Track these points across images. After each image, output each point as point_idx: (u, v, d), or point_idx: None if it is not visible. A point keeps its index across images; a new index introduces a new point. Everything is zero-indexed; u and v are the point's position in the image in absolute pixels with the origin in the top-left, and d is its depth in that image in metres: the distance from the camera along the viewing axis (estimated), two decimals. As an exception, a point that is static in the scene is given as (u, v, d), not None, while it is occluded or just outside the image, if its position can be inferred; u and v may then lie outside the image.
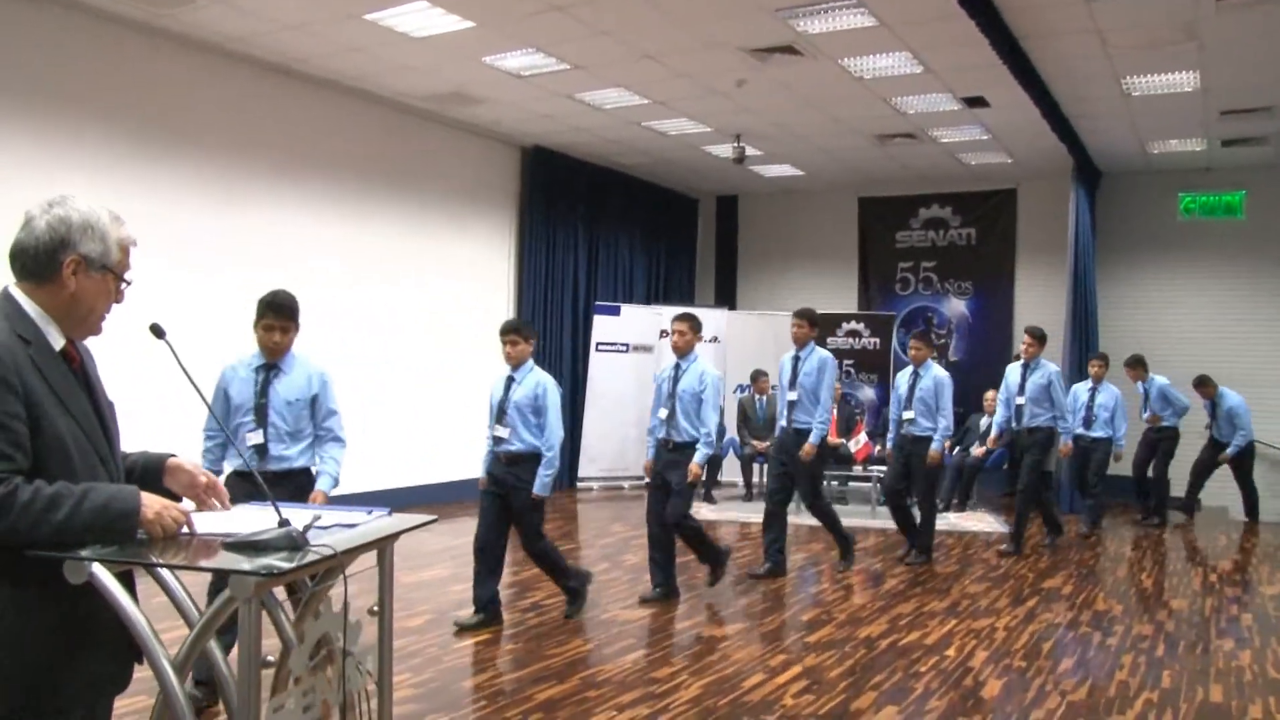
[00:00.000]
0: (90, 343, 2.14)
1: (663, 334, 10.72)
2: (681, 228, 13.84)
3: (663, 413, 6.26)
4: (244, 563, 1.91)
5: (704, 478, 9.93)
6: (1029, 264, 12.23)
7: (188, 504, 2.17)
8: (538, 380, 5.51)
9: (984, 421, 10.59)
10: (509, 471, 5.48)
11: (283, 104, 8.31)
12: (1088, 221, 10.83)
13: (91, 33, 6.88)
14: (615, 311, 11.64)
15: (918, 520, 7.73)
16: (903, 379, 7.83)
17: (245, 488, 2.77)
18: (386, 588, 2.47)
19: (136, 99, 7.20)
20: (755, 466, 10.82)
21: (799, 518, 7.40)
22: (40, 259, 1.97)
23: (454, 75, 8.39)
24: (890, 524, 8.20)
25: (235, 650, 1.95)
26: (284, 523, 2.06)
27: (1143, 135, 9.87)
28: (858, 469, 10.46)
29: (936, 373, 7.67)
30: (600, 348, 11.50)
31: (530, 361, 5.58)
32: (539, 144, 10.92)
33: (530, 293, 11.04)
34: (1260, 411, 10.22)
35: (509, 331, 5.57)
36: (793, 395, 7.02)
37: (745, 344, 11.90)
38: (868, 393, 11.72)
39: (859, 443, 10.53)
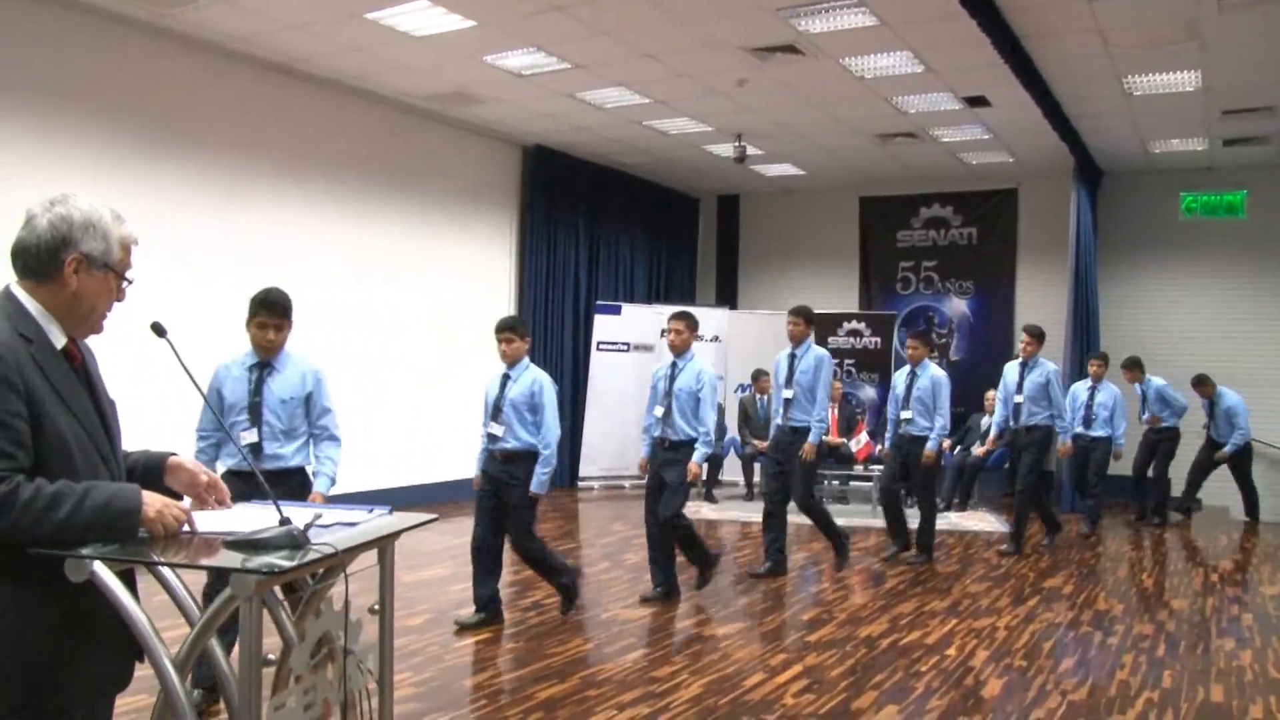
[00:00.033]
0: (92, 341, 2.14)
1: (663, 333, 10.71)
2: (682, 227, 13.83)
3: (659, 411, 6.24)
4: (245, 561, 1.91)
5: (704, 477, 9.96)
6: (1030, 263, 12.22)
7: (188, 502, 2.17)
8: (534, 378, 5.51)
9: (985, 421, 10.58)
10: (504, 469, 5.47)
11: (284, 104, 8.32)
12: (1089, 221, 10.82)
13: (94, 32, 6.89)
14: (616, 311, 11.64)
15: (916, 521, 7.72)
16: (900, 379, 7.83)
17: (240, 487, 2.76)
18: (387, 586, 2.47)
19: (138, 98, 7.21)
20: (756, 466, 10.82)
21: (799, 517, 7.39)
22: (42, 257, 1.97)
23: (455, 75, 8.39)
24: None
25: (236, 649, 1.96)
26: (285, 521, 2.06)
27: (1144, 135, 9.86)
28: (859, 468, 10.46)
29: (934, 372, 7.67)
30: (601, 347, 11.51)
31: (526, 359, 5.58)
32: (540, 143, 10.93)
33: (531, 292, 11.04)
34: (1262, 411, 10.22)
35: (504, 329, 5.56)
36: (788, 393, 7.00)
37: (746, 343, 11.89)
38: (869, 392, 11.72)
39: (860, 442, 10.53)
